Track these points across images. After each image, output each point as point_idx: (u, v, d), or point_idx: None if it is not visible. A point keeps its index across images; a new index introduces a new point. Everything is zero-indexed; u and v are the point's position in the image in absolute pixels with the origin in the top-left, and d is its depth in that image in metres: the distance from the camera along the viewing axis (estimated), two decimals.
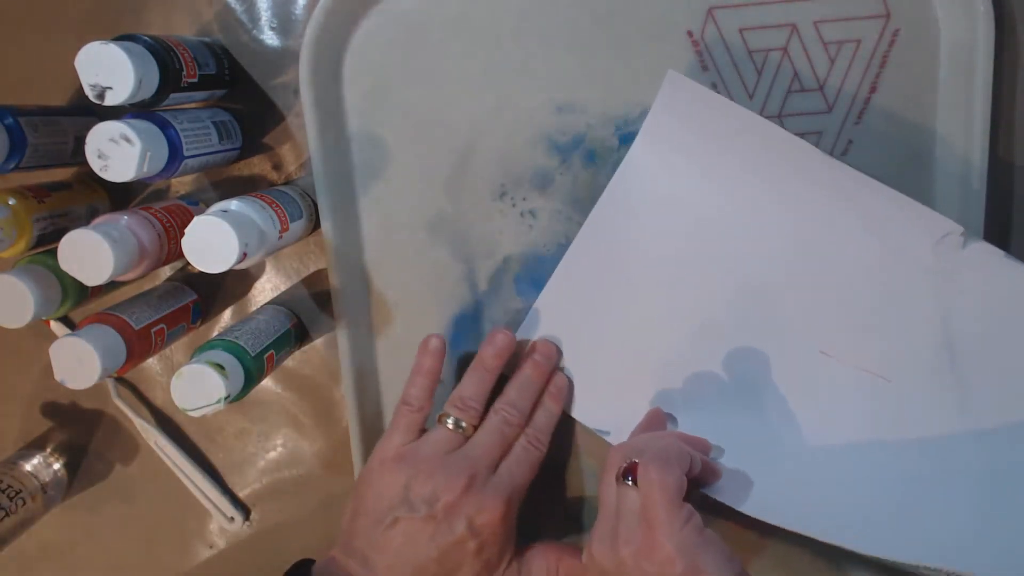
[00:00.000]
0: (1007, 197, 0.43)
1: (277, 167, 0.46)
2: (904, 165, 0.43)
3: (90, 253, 0.37)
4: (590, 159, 0.44)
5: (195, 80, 0.40)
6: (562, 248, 0.44)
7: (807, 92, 0.42)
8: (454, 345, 0.46)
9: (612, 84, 0.43)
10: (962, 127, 0.41)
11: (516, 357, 0.44)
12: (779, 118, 0.43)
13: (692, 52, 0.42)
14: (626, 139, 0.43)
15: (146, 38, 0.37)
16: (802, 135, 0.42)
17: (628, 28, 0.42)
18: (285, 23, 0.45)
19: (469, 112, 0.44)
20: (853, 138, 0.42)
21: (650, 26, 0.42)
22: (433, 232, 0.45)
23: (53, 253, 0.38)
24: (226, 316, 0.49)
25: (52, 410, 0.51)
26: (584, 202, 0.44)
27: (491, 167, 0.44)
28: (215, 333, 0.47)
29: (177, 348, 0.49)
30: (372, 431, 0.47)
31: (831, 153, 0.43)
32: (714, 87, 0.42)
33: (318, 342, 0.48)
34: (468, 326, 0.46)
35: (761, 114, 0.42)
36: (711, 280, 0.42)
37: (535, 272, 0.45)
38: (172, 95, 0.39)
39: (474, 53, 0.43)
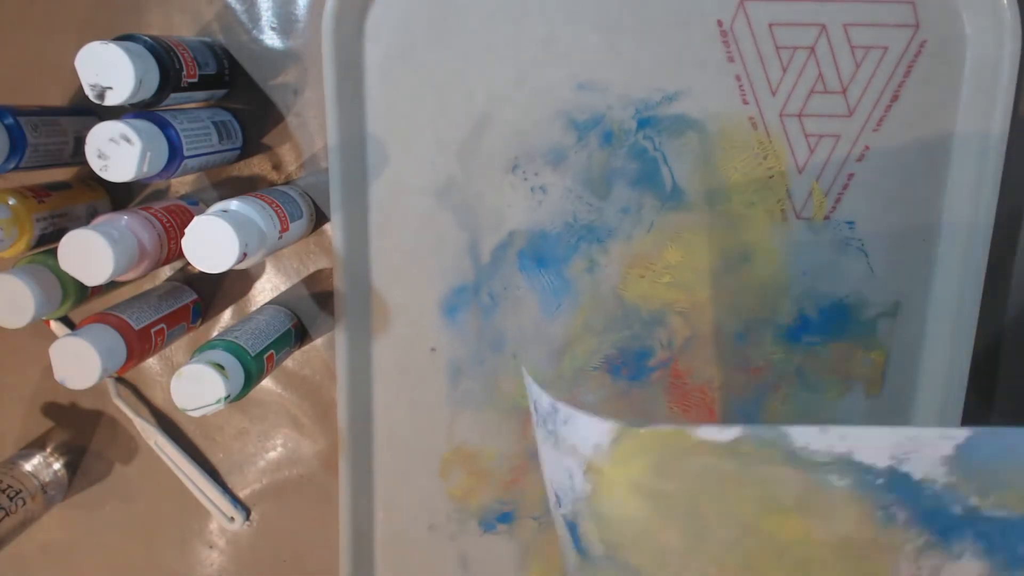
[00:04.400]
0: (1016, 218, 0.43)
1: (277, 167, 0.46)
2: (916, 178, 0.42)
3: (90, 253, 0.37)
4: (606, 140, 0.43)
5: (195, 80, 0.40)
6: (569, 227, 0.44)
7: (830, 94, 0.42)
8: (451, 315, 0.46)
9: (636, 67, 0.42)
10: (978, 145, 0.41)
11: None
12: (799, 117, 0.42)
13: (720, 42, 0.42)
14: (644, 123, 0.43)
15: (146, 38, 0.37)
16: (820, 137, 0.42)
17: (658, 11, 0.42)
18: (285, 23, 0.45)
19: (489, 80, 0.43)
20: (870, 144, 0.42)
21: (680, 12, 0.42)
22: (441, 198, 0.45)
23: (53, 253, 0.38)
24: (226, 316, 0.49)
25: (52, 410, 0.51)
26: (596, 182, 0.44)
27: (506, 138, 0.44)
28: (215, 333, 0.47)
29: (177, 348, 0.49)
30: (360, 430, 0.47)
31: (846, 159, 0.43)
32: (737, 80, 0.42)
33: (318, 342, 0.48)
34: (467, 298, 0.46)
35: (782, 113, 0.42)
36: None
37: (540, 249, 0.45)
38: (172, 95, 0.39)
39: (500, 20, 0.43)
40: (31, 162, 0.41)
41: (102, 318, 0.41)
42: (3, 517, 0.46)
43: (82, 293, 0.44)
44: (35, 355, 0.50)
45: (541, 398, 0.31)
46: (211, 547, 0.52)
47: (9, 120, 0.39)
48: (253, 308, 0.48)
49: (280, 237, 0.41)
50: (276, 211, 0.41)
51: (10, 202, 0.41)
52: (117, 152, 0.36)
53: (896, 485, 0.26)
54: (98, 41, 0.35)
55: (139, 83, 0.35)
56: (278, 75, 0.45)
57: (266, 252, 0.40)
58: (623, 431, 0.28)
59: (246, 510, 0.51)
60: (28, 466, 0.50)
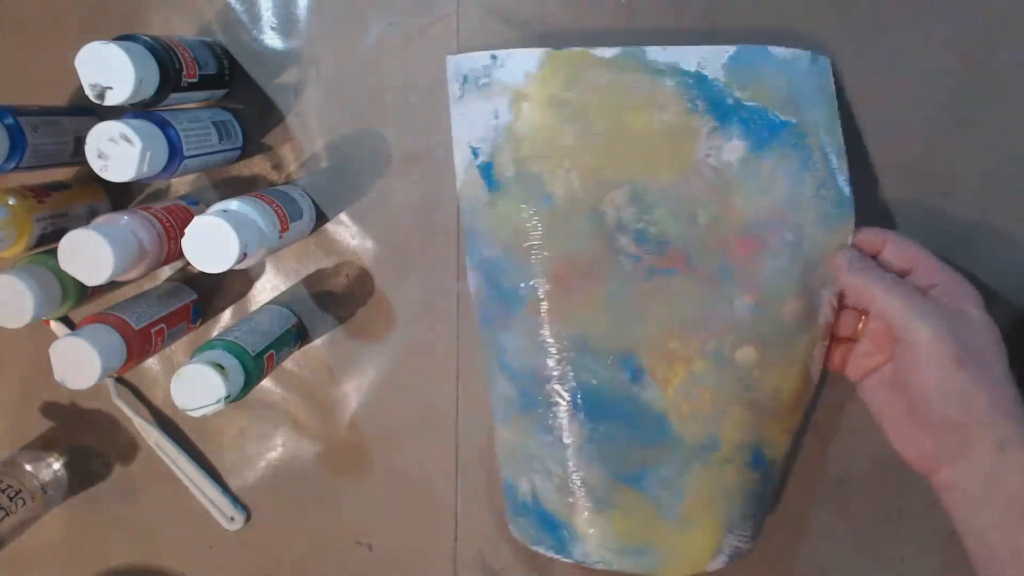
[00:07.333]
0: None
1: (277, 167, 0.46)
2: None
3: (90, 253, 0.37)
4: None
5: (195, 80, 0.40)
6: None
7: None
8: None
9: None
10: None
11: None
12: None
13: None
14: None
15: (146, 38, 0.37)
16: None
17: None
18: (285, 23, 0.45)
19: None
20: None
21: None
22: None
23: (53, 253, 0.38)
24: (226, 316, 0.49)
25: (52, 410, 0.51)
26: None
27: None
28: (215, 333, 0.47)
29: (177, 348, 0.49)
30: None
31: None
32: None
33: (318, 342, 0.48)
34: None
35: None
36: None
37: None
38: (172, 95, 0.39)
39: None
40: (31, 162, 0.41)
41: (102, 318, 0.41)
42: (3, 517, 0.46)
43: (82, 293, 0.44)
44: (35, 355, 0.50)
45: (476, 60, 0.40)
46: (211, 547, 0.52)
47: (9, 120, 0.39)
48: (253, 308, 0.48)
49: (280, 237, 0.41)
50: (276, 211, 0.41)
51: (10, 202, 0.41)
52: (117, 152, 0.36)
53: (698, 83, 0.40)
54: (98, 41, 0.35)
55: (139, 83, 0.35)
56: (278, 75, 0.45)
57: (266, 252, 0.40)
58: (548, 54, 0.40)
59: (246, 510, 0.51)
60: (28, 466, 0.50)
